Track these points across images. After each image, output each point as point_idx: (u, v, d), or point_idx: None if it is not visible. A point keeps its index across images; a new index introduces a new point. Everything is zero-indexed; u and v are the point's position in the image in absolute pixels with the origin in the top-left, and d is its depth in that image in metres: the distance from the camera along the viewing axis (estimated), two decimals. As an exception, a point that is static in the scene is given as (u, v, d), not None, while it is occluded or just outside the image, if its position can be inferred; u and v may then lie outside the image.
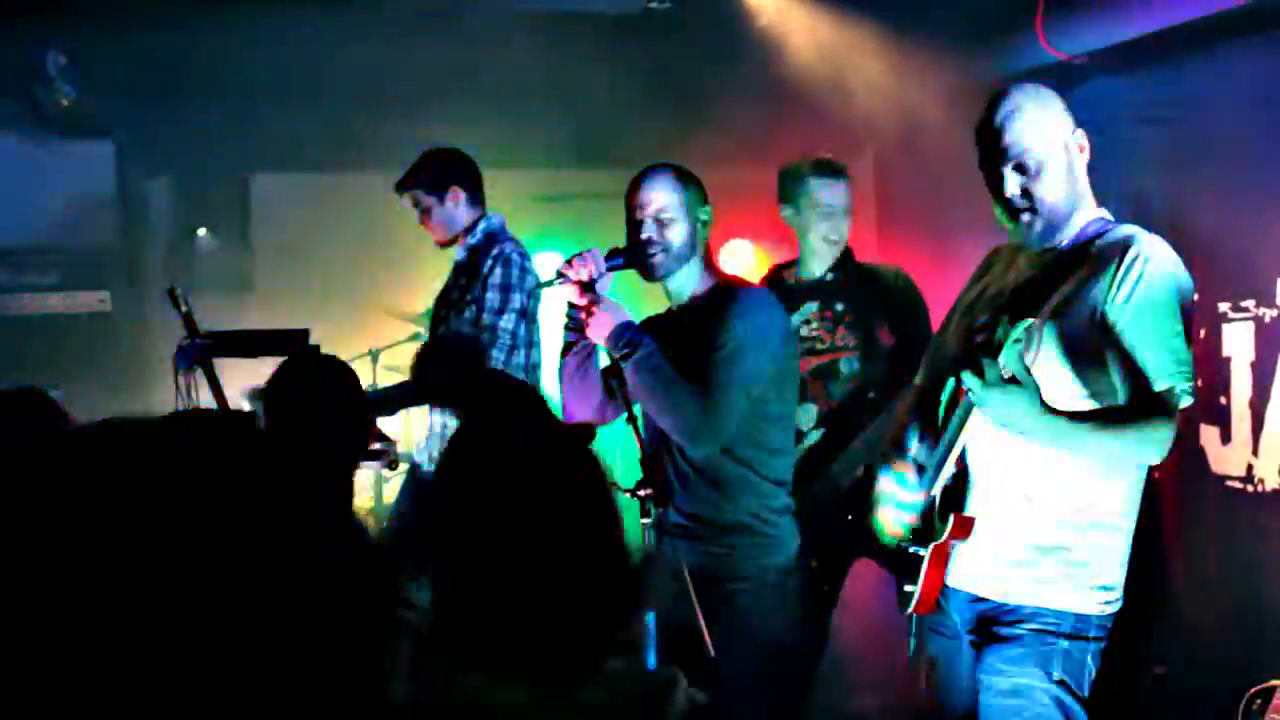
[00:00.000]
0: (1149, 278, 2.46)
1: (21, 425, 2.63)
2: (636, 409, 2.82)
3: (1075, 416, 2.48)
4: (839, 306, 3.82)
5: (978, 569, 2.65)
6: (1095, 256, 2.55)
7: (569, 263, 2.99)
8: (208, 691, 0.83)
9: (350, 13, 4.82)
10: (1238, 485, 3.72)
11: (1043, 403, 2.43)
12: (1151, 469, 2.63)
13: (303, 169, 6.14)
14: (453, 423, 3.81)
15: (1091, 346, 2.50)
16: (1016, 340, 2.38)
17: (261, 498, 0.88)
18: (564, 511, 1.47)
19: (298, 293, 5.59)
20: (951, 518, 2.59)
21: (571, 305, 3.02)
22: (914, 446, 2.78)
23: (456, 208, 4.04)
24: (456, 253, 4.10)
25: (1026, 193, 2.57)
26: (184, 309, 3.72)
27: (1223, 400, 3.75)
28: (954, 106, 4.00)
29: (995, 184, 2.61)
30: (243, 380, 3.44)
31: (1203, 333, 3.71)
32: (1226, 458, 3.76)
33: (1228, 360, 3.73)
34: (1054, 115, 2.60)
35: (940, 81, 4.55)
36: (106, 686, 0.83)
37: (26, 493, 0.86)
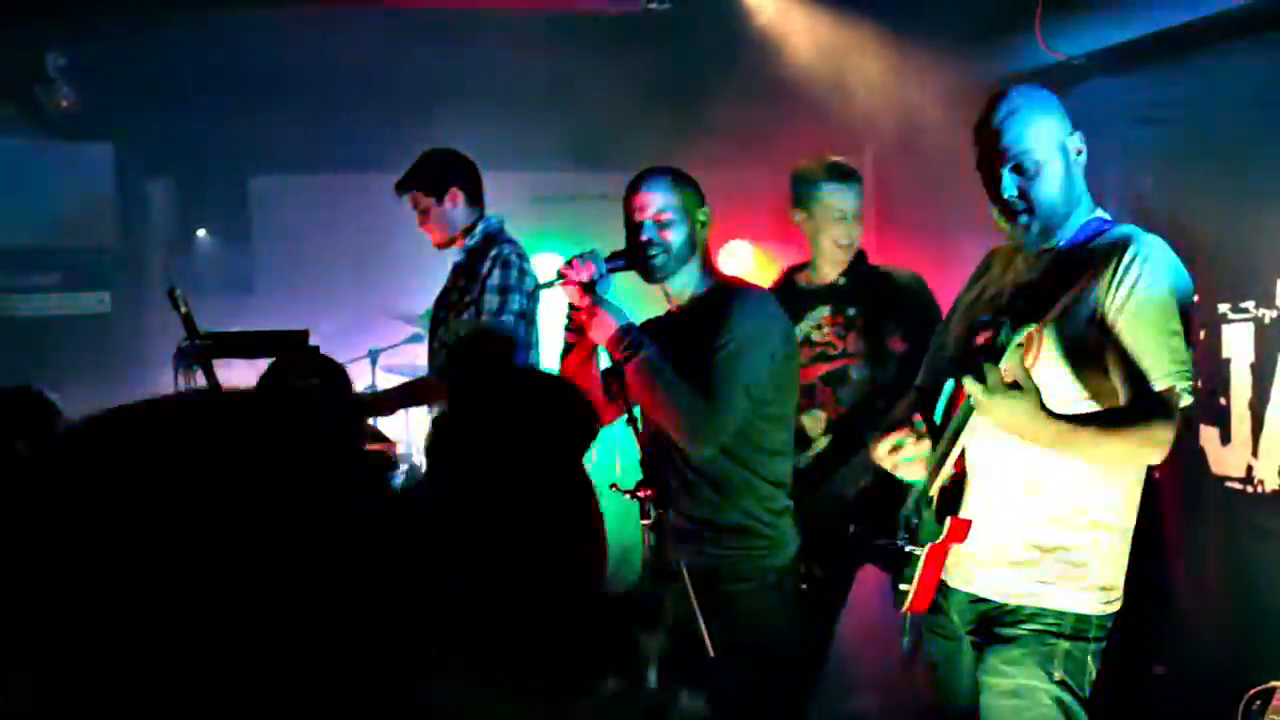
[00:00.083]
0: (1147, 277, 2.45)
1: (20, 425, 2.64)
2: (636, 410, 2.82)
3: (1076, 420, 2.47)
4: (850, 311, 3.78)
5: (978, 569, 2.65)
6: (1093, 257, 2.54)
7: (569, 264, 2.99)
8: (207, 691, 0.83)
9: (350, 14, 4.83)
10: (1237, 486, 3.71)
11: (1043, 407, 2.43)
12: (1152, 469, 2.63)
13: (303, 169, 6.14)
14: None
15: (1091, 347, 2.49)
16: (1018, 345, 2.37)
17: (259, 493, 0.88)
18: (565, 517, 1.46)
19: (297, 293, 5.60)
20: (949, 520, 2.59)
21: (572, 307, 3.02)
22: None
23: (455, 209, 4.03)
24: (455, 254, 4.09)
25: (1024, 194, 2.56)
26: (184, 309, 3.71)
27: (1222, 401, 3.75)
28: (953, 107, 3.99)
29: (993, 185, 2.60)
30: (242, 380, 3.44)
31: (1203, 333, 3.71)
32: (1226, 459, 3.75)
33: (1227, 361, 3.73)
34: (1052, 117, 2.59)
35: (939, 82, 4.55)
36: (106, 686, 0.83)
37: (24, 490, 0.86)
